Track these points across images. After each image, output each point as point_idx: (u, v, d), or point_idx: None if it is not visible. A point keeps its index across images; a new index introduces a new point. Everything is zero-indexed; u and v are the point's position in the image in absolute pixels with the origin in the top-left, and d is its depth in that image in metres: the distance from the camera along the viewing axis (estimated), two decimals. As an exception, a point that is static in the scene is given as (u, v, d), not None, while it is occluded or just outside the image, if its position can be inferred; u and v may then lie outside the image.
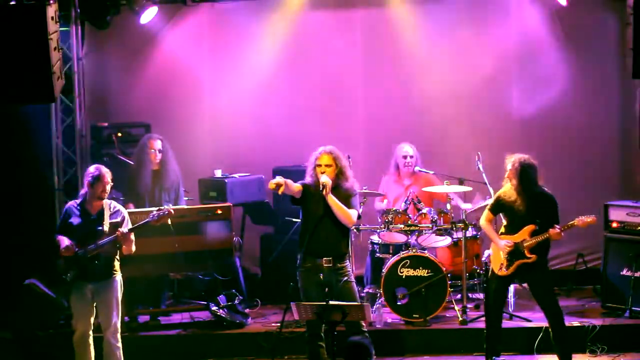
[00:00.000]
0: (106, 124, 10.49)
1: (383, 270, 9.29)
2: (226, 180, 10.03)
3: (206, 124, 10.82)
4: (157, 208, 8.34)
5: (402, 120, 10.74)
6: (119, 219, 8.05)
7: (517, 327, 9.01)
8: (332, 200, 7.75)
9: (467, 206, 9.57)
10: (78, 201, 8.15)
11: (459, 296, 9.56)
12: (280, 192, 7.60)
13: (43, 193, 10.12)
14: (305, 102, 10.85)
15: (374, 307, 9.22)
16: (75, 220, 8.04)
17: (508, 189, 8.20)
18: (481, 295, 9.55)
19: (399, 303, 9.18)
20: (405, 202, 9.57)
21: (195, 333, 9.32)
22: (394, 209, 9.52)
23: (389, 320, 9.31)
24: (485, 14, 10.66)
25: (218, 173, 10.21)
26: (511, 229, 8.25)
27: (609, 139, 10.70)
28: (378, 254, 9.61)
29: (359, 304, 7.54)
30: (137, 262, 8.60)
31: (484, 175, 9.46)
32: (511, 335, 8.76)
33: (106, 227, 7.97)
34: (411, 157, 9.98)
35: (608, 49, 10.59)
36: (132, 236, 8.00)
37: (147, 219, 8.14)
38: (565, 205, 8.25)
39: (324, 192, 7.69)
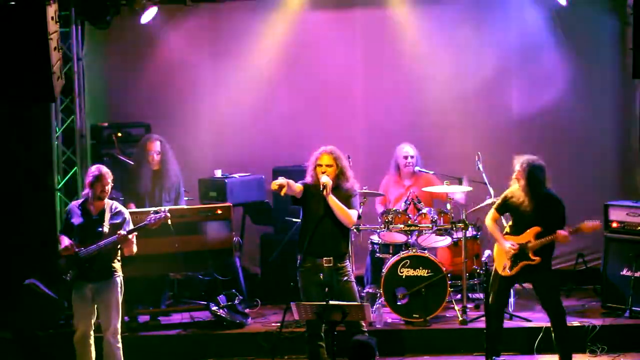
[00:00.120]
0: (106, 124, 10.49)
1: (383, 270, 9.29)
2: (226, 180, 10.03)
3: (206, 124, 10.80)
4: (154, 210, 8.31)
5: (402, 120, 10.74)
6: (119, 220, 8.03)
7: (517, 327, 8.99)
8: (333, 201, 7.74)
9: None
10: (80, 201, 8.15)
11: (459, 296, 9.56)
12: (282, 193, 7.58)
13: (43, 193, 10.09)
14: (305, 102, 10.84)
15: (374, 307, 9.21)
16: (76, 220, 8.04)
17: (516, 189, 8.17)
18: (481, 295, 9.55)
19: (399, 303, 9.17)
20: (405, 202, 9.56)
21: (195, 333, 9.31)
22: (394, 209, 9.52)
23: (389, 320, 9.30)
24: (485, 14, 10.65)
25: (218, 173, 10.21)
26: (516, 230, 8.22)
27: (609, 139, 10.69)
28: (378, 254, 9.61)
29: (359, 304, 7.53)
30: (137, 262, 8.58)
31: (484, 175, 9.46)
32: (511, 335, 8.74)
33: (106, 228, 7.96)
34: (411, 157, 9.98)
35: (608, 49, 10.59)
36: (134, 238, 8.00)
37: (144, 222, 8.13)
38: (565, 205, 8.24)
39: (325, 193, 7.68)
